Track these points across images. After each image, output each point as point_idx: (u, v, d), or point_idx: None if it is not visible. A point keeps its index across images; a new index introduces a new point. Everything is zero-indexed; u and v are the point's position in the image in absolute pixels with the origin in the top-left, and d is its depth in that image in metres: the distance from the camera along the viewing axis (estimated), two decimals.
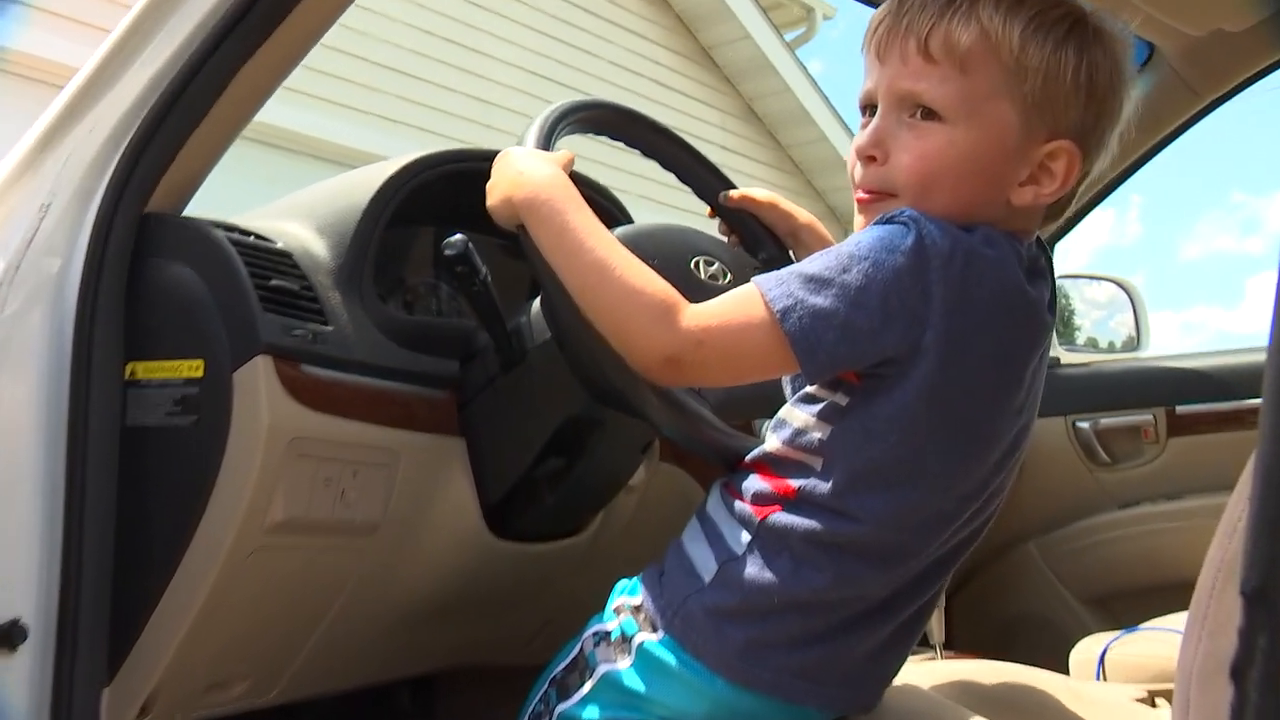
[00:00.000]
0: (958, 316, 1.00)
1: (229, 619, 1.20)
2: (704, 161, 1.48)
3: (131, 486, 1.18)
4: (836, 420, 1.05)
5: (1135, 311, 2.77)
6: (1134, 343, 2.83)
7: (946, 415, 1.04)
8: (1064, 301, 3.16)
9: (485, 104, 6.44)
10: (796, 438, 1.07)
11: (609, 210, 1.59)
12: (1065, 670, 1.74)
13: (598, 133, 1.39)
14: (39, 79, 4.81)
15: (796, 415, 1.08)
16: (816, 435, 1.05)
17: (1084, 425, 2.37)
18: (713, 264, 1.36)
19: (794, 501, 1.06)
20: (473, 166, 1.40)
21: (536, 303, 1.31)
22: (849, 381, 1.04)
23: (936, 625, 1.69)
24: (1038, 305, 1.06)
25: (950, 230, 1.01)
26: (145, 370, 1.19)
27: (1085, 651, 1.74)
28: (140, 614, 1.17)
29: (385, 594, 1.34)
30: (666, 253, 1.33)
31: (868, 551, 1.06)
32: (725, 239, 1.48)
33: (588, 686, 1.09)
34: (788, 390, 1.15)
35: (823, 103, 8.60)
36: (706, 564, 1.08)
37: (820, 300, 0.98)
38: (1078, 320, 3.17)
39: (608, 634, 1.12)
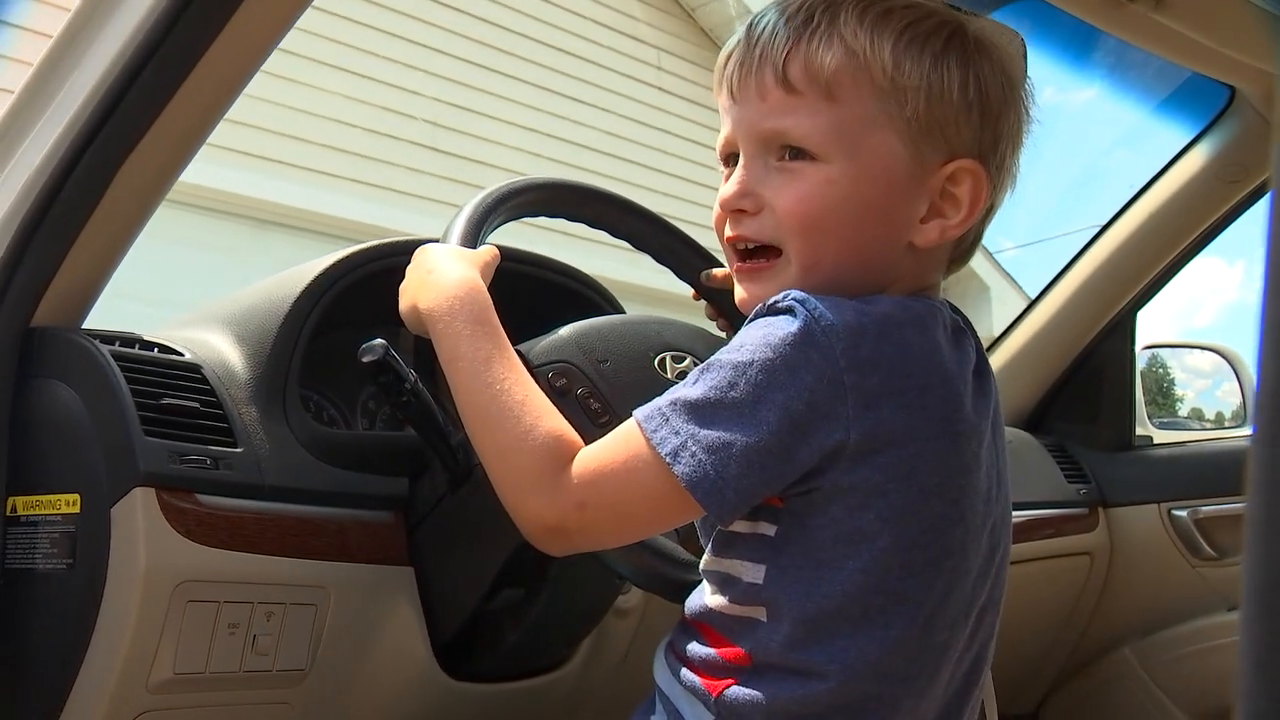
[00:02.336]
0: (885, 402, 0.82)
1: None
2: (681, 237, 1.31)
3: (12, 641, 1.04)
4: (770, 557, 0.86)
5: (1241, 383, 2.48)
6: (1243, 416, 2.54)
7: (906, 524, 0.84)
8: (1161, 371, 2.88)
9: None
10: (729, 588, 0.88)
11: (590, 300, 1.42)
12: None
13: (549, 215, 1.23)
14: None
15: (722, 562, 0.89)
16: (750, 580, 0.86)
17: (1182, 514, 2.09)
18: (683, 359, 1.18)
19: (750, 670, 0.87)
20: (405, 261, 1.26)
21: None
22: (771, 506, 0.85)
23: None
24: (964, 371, 0.88)
25: (848, 306, 0.83)
26: (25, 506, 1.06)
27: None
28: None
29: None
30: (623, 351, 1.15)
31: (849, 712, 0.86)
32: (712, 323, 1.31)
33: None
34: (701, 534, 0.96)
35: None
36: None
37: (711, 431, 0.81)
38: (1179, 390, 2.89)
39: None
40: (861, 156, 0.87)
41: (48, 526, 1.04)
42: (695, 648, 0.90)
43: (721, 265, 1.29)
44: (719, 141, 0.93)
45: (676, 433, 0.82)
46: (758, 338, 0.82)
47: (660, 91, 7.02)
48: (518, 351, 1.06)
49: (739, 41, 0.91)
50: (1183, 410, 2.90)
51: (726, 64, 0.92)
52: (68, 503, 1.03)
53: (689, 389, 0.84)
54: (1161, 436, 2.29)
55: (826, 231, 0.87)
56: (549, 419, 0.89)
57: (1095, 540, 2.13)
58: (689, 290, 1.33)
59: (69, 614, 1.02)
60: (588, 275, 1.42)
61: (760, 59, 0.88)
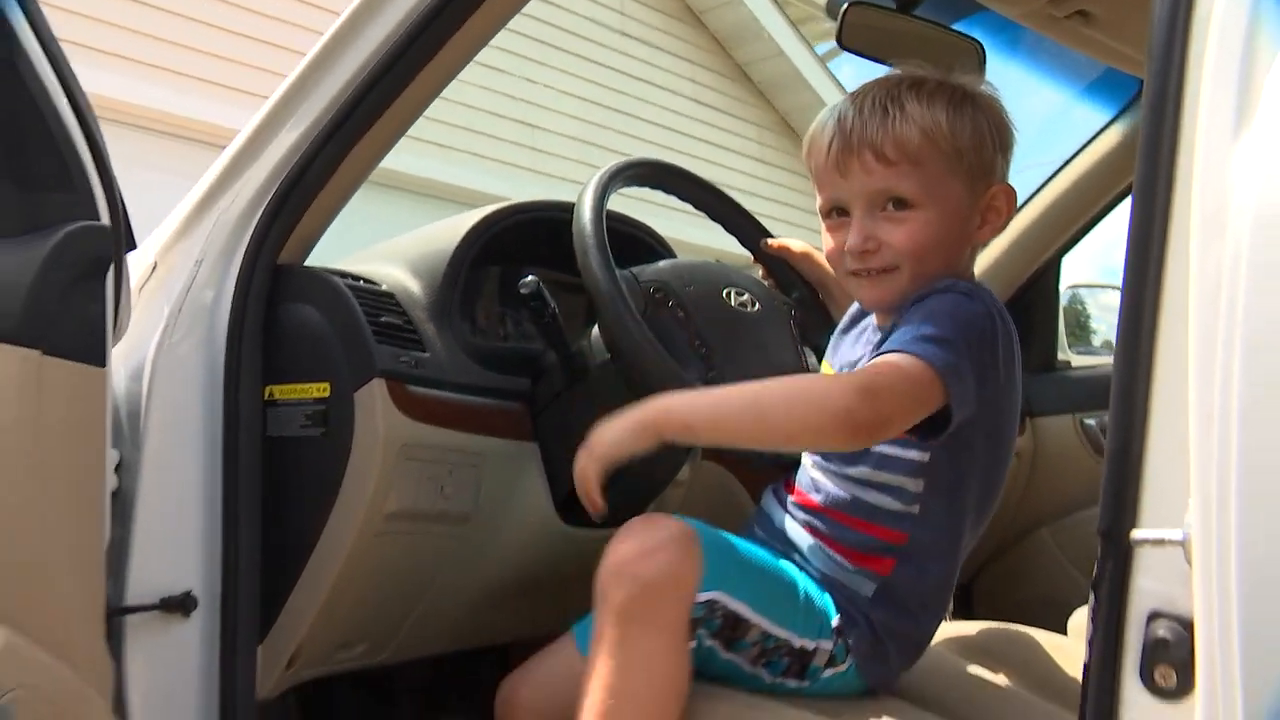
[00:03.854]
0: (1010, 364, 1.27)
1: (354, 591, 1.48)
2: (744, 213, 1.74)
3: (274, 485, 1.46)
4: (927, 475, 1.28)
5: None
6: None
7: (1005, 450, 1.33)
8: (1079, 308, 3.38)
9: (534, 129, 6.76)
10: (894, 494, 1.29)
11: (649, 245, 1.85)
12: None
13: (651, 187, 1.65)
14: (193, 139, 5.51)
15: (881, 475, 1.30)
16: (913, 490, 1.29)
17: (1091, 422, 2.58)
18: (743, 294, 1.63)
19: (903, 549, 1.30)
20: (533, 216, 1.69)
21: (594, 329, 1.58)
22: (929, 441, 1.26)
23: None
24: None
25: (988, 294, 1.27)
26: (281, 392, 1.47)
27: (1081, 616, 1.97)
28: (285, 588, 1.45)
29: (474, 572, 1.61)
30: (703, 281, 1.59)
31: (951, 577, 1.35)
32: (761, 279, 1.74)
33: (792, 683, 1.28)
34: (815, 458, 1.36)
35: None
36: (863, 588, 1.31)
37: (949, 358, 1.18)
38: (1094, 325, 3.40)
39: (831, 653, 1.29)
40: (942, 200, 1.27)
41: (302, 406, 1.46)
42: (847, 533, 1.31)
43: (773, 236, 1.73)
44: (820, 203, 1.33)
45: (938, 357, 1.16)
46: (964, 308, 1.22)
47: (624, 37, 7.37)
48: (630, 272, 1.50)
49: (834, 133, 1.29)
50: (1096, 341, 3.41)
51: (829, 149, 1.29)
52: (319, 389, 1.45)
53: (926, 330, 1.19)
54: (1078, 361, 2.79)
55: (928, 253, 1.27)
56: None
57: (1024, 444, 2.61)
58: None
59: (323, 467, 1.44)
60: (654, 230, 1.86)
61: (859, 142, 1.27)
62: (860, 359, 1.36)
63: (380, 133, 1.46)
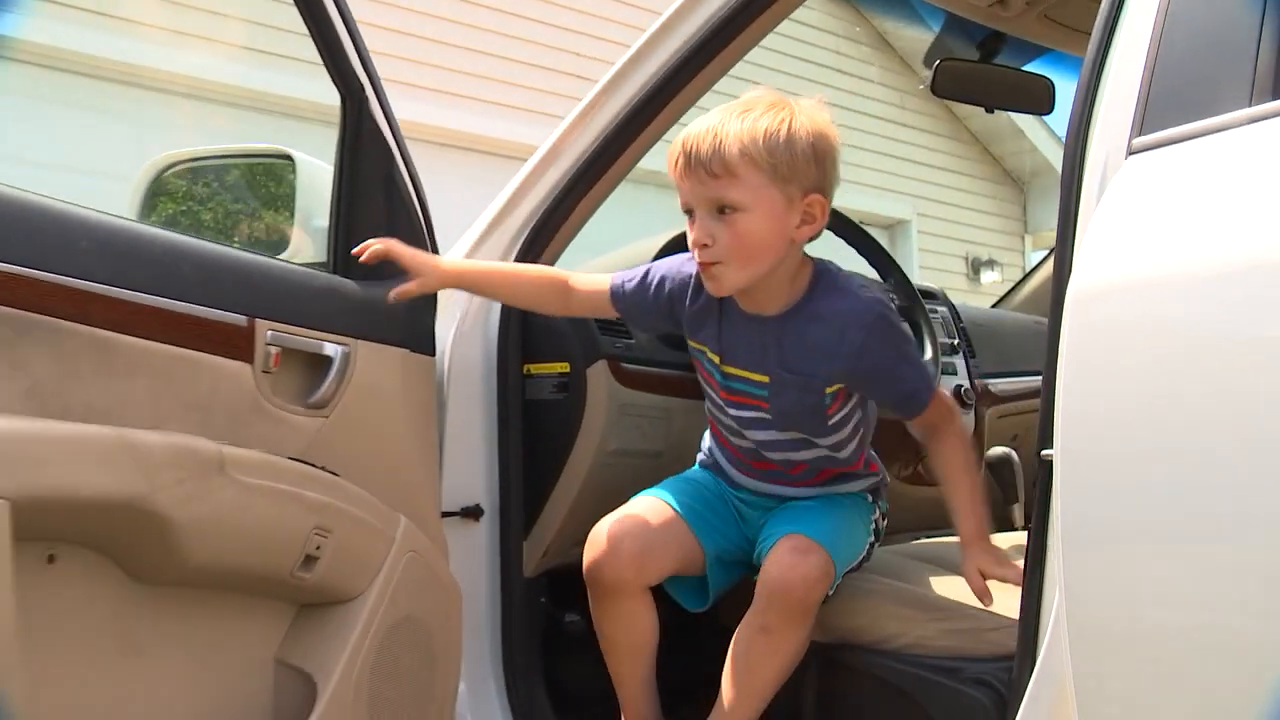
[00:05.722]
0: None
1: (586, 505, 2.14)
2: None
3: (531, 433, 2.14)
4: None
5: None
6: None
7: None
8: None
9: None
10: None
11: None
12: None
13: None
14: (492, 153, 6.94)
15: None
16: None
17: None
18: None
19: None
20: None
21: None
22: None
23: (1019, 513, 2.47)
24: None
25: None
26: (535, 369, 2.14)
27: None
28: (541, 503, 2.13)
29: None
30: None
31: None
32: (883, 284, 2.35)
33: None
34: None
35: None
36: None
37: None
38: None
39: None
40: (761, 205, 1.61)
41: (550, 379, 2.12)
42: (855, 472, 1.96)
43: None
44: (680, 202, 1.68)
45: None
46: (897, 325, 1.80)
47: None
48: None
49: (679, 153, 1.64)
50: None
51: (677, 165, 1.65)
52: (561, 367, 2.11)
53: (909, 360, 1.83)
54: None
55: (752, 250, 1.64)
56: None
57: None
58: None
59: (565, 420, 2.10)
60: None
61: (695, 162, 1.63)
62: (783, 354, 1.77)
63: (608, 180, 2.10)
